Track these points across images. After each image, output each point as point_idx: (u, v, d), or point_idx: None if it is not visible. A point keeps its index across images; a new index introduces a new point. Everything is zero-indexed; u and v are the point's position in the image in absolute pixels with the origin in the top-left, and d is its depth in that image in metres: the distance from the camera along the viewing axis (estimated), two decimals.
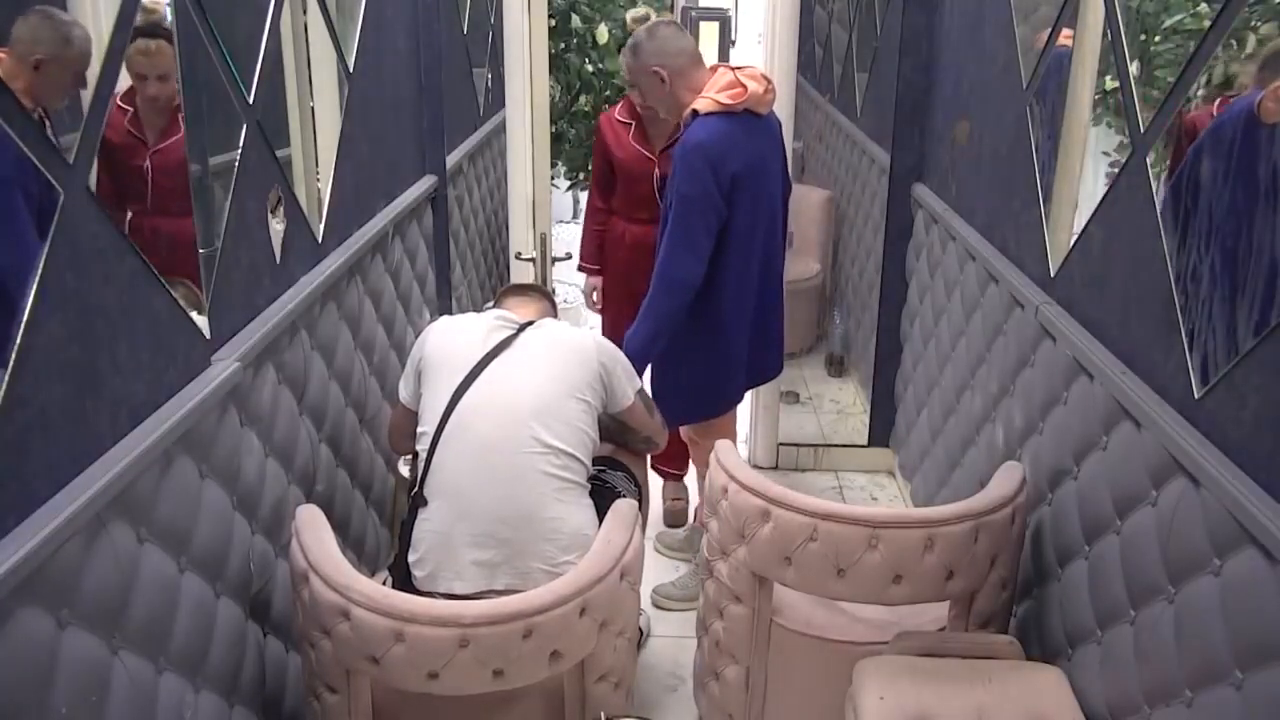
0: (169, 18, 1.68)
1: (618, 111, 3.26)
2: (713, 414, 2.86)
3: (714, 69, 2.63)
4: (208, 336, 1.80)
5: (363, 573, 1.93)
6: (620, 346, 2.36)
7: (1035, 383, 2.30)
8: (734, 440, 2.90)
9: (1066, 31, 2.24)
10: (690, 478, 3.38)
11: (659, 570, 3.11)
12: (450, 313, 3.40)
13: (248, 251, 1.99)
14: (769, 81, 2.61)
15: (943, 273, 3.12)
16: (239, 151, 1.93)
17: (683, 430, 2.98)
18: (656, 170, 3.12)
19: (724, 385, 2.80)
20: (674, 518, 3.36)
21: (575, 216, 7.01)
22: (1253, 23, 1.53)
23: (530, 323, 2.22)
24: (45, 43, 1.32)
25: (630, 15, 3.24)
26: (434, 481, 2.07)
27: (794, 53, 3.46)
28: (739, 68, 2.60)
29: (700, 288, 2.59)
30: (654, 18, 3.00)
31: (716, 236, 2.56)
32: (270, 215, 2.10)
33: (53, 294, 1.33)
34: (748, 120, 2.57)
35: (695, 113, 2.54)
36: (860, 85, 4.19)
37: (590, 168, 5.85)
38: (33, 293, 1.29)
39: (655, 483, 3.23)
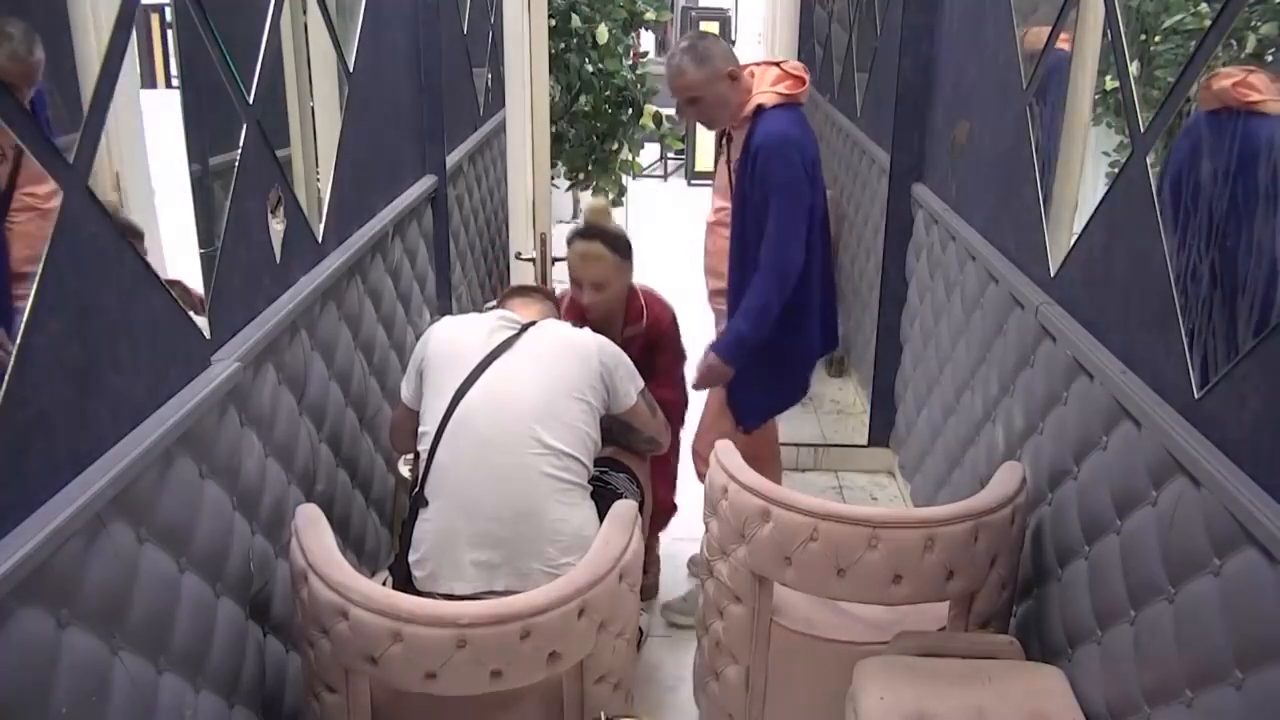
0: (169, 17, 1.69)
1: (564, 314, 2.59)
2: (792, 403, 2.92)
3: (747, 67, 2.68)
4: (208, 336, 1.80)
5: (363, 573, 1.93)
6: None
7: (1035, 383, 2.30)
8: (777, 448, 2.99)
9: (1066, 33, 2.23)
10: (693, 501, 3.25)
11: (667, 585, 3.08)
12: (450, 313, 3.40)
13: (248, 251, 1.99)
14: (806, 72, 2.71)
15: (943, 273, 3.12)
16: (239, 151, 1.93)
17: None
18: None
19: (803, 371, 2.89)
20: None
21: (575, 216, 7.01)
22: (1253, 23, 1.53)
23: (532, 323, 2.22)
24: None
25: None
26: (435, 481, 2.07)
27: (794, 53, 3.47)
28: (779, 62, 2.68)
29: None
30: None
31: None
32: (270, 215, 2.10)
33: (53, 294, 1.33)
34: (800, 110, 2.67)
35: (759, 108, 2.60)
36: (860, 85, 4.19)
37: (588, 170, 5.88)
38: (33, 293, 1.29)
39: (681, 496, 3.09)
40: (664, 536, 2.99)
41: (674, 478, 2.93)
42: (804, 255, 2.60)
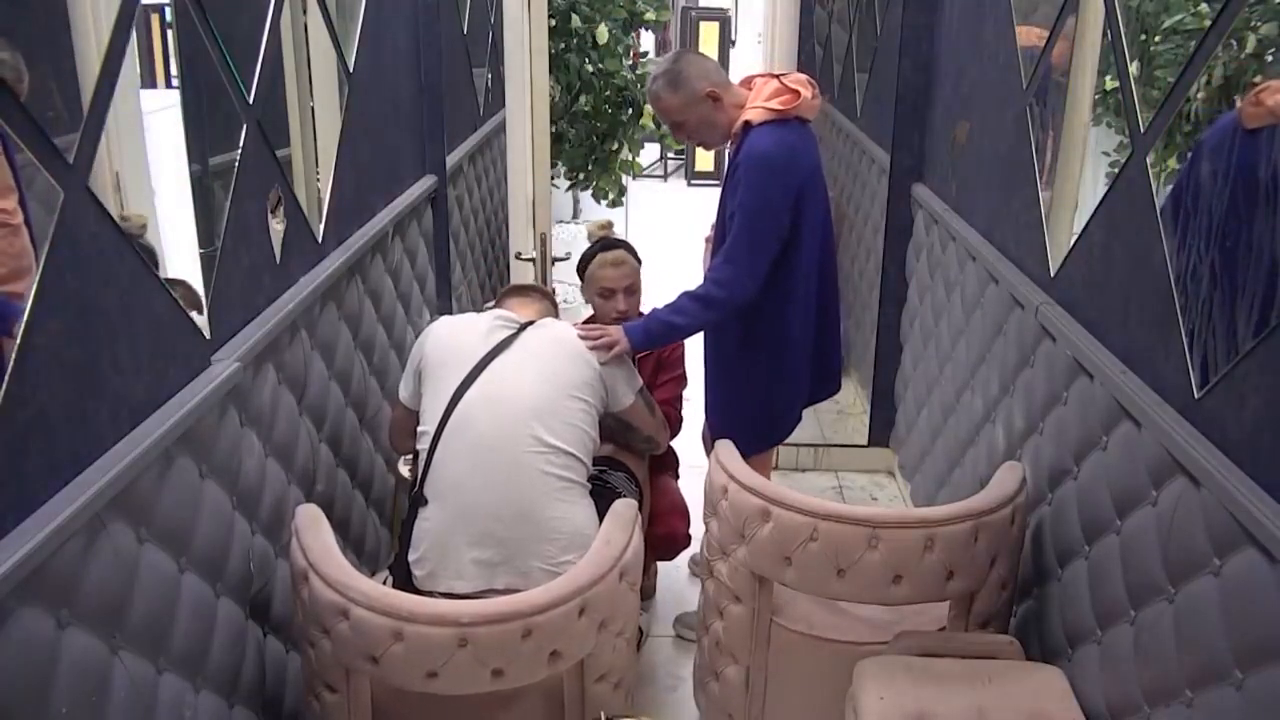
0: (169, 17, 1.69)
1: None
2: (765, 447, 2.75)
3: (749, 80, 2.51)
4: (208, 336, 1.80)
5: (363, 573, 1.93)
6: None
7: (1035, 383, 2.30)
8: (772, 463, 2.82)
9: (1066, 32, 2.24)
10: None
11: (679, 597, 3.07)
12: (450, 313, 3.40)
13: (248, 251, 1.99)
14: (815, 87, 2.47)
15: (943, 273, 3.12)
16: (239, 151, 1.93)
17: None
18: None
19: (784, 416, 2.70)
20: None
21: (575, 216, 7.02)
22: (1253, 23, 1.53)
23: (531, 322, 2.22)
24: None
25: None
26: (434, 480, 2.07)
27: (794, 53, 3.47)
28: (782, 75, 2.49)
29: (765, 312, 2.48)
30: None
31: (781, 256, 2.42)
32: (270, 215, 2.10)
33: (53, 294, 1.33)
34: (798, 127, 2.44)
35: (747, 124, 2.42)
36: (860, 85, 4.19)
37: (588, 170, 5.88)
38: (33, 293, 1.29)
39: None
40: None
41: (684, 507, 2.83)
42: (755, 289, 2.40)
